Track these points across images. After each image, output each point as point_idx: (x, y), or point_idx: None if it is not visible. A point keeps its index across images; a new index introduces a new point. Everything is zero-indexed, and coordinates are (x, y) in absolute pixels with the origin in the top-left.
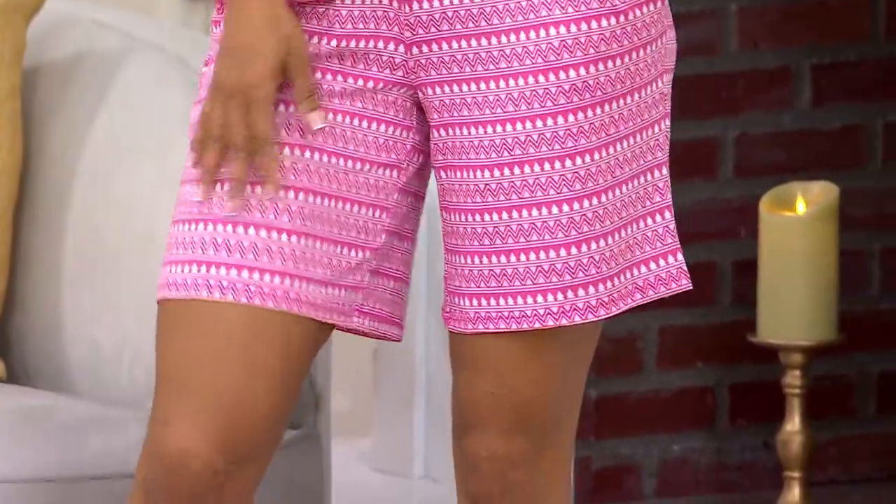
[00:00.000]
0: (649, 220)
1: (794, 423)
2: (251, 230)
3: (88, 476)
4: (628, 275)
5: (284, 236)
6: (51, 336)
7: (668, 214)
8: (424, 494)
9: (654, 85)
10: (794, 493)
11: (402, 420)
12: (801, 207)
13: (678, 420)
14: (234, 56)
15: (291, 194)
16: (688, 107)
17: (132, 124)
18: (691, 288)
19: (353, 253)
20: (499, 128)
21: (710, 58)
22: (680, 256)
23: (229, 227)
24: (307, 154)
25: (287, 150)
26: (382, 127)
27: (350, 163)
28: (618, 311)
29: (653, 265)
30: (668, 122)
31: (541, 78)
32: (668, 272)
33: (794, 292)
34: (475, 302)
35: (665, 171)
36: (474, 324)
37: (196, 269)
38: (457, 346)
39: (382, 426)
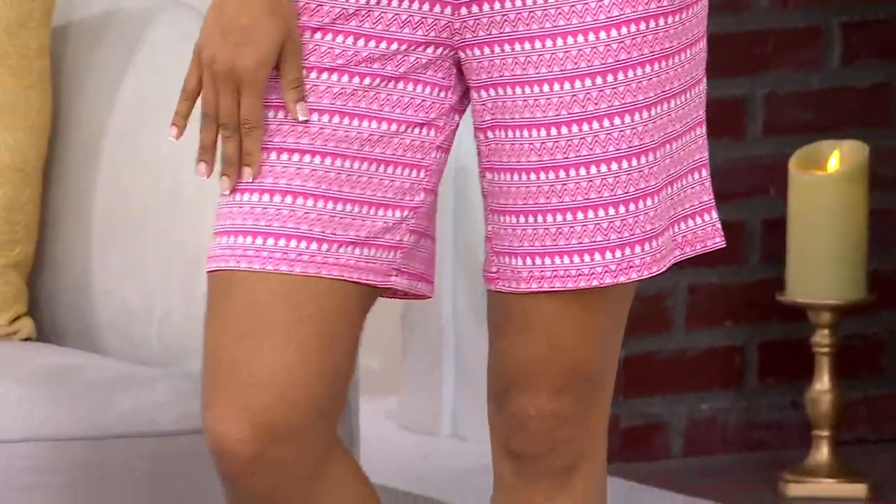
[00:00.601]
0: (690, 177)
1: (822, 382)
2: (277, 197)
3: (117, 434)
4: (671, 231)
5: (312, 201)
6: (80, 295)
7: (705, 172)
8: (452, 453)
9: (701, 42)
10: (823, 451)
11: (430, 379)
12: (830, 166)
13: (706, 379)
14: (229, 37)
15: (318, 159)
16: (717, 65)
17: (160, 84)
18: (724, 245)
19: (390, 213)
20: (556, 86)
21: (740, 16)
22: (714, 214)
23: (255, 196)
24: (335, 119)
25: (316, 116)
26: (420, 87)
27: (386, 125)
28: (665, 268)
29: (690, 222)
30: (705, 80)
31: (602, 34)
32: (704, 229)
33: (823, 251)
34: (529, 261)
35: (704, 128)
36: (528, 283)
37: (228, 239)
38: (504, 307)
39: (410, 385)
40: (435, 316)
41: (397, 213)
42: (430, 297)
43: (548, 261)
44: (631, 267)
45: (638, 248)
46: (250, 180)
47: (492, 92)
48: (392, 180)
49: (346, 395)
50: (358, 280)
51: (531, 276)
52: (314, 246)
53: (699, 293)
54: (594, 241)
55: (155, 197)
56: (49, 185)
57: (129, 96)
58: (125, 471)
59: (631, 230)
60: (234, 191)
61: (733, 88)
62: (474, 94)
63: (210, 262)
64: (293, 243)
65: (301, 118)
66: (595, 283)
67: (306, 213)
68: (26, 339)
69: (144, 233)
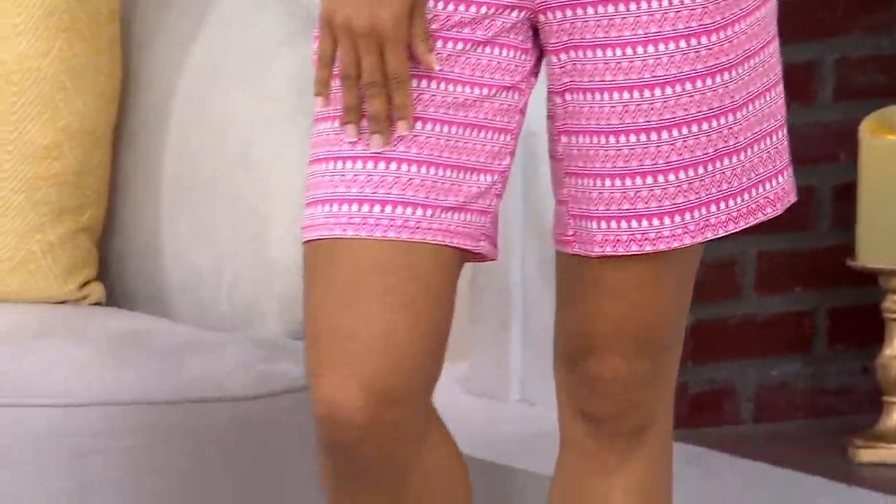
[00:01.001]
0: (774, 137)
1: (893, 348)
2: (381, 165)
3: (186, 399)
4: (755, 191)
5: (415, 167)
6: (149, 259)
7: (782, 132)
8: (521, 417)
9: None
10: (893, 417)
11: (499, 344)
12: None
13: (776, 345)
14: None
15: (419, 125)
16: (786, 30)
17: (229, 48)
18: (796, 199)
19: (482, 178)
20: (640, 49)
21: None
22: (790, 171)
23: (359, 164)
24: (433, 85)
25: (414, 82)
26: (505, 51)
27: (478, 90)
28: (745, 225)
29: (773, 182)
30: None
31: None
32: (783, 188)
33: (893, 216)
34: (605, 225)
35: (781, 87)
36: (602, 247)
37: (330, 207)
38: (578, 270)
39: (479, 350)
40: (503, 280)
41: (488, 178)
42: (495, 259)
43: (624, 224)
44: (707, 226)
45: (714, 207)
46: (407, 132)
47: (571, 54)
48: (484, 144)
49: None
50: (457, 245)
51: (606, 240)
52: (419, 212)
53: (769, 259)
54: (675, 203)
55: (224, 160)
56: (119, 150)
57: (198, 60)
58: (194, 435)
59: (708, 190)
60: (333, 160)
61: (803, 53)
62: (552, 58)
63: (309, 231)
64: (399, 210)
65: (436, 68)
66: (675, 244)
67: (410, 178)
68: (96, 304)
69: (214, 196)
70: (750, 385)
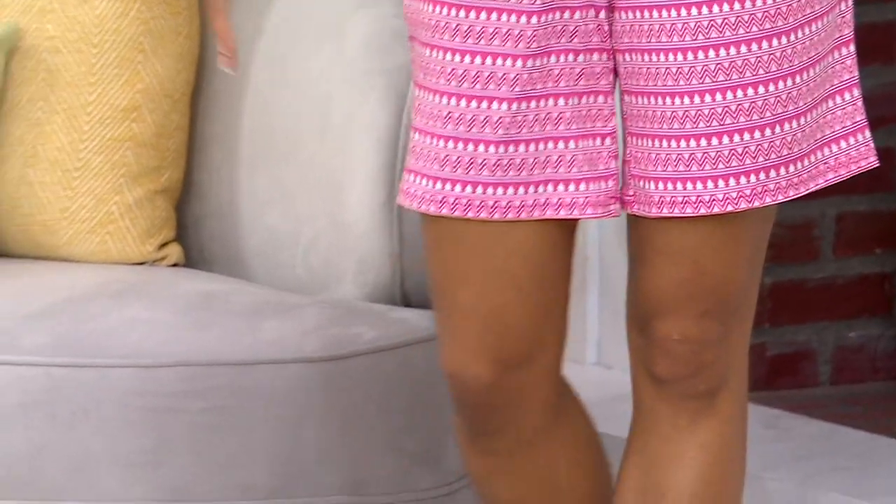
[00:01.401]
0: (838, 99)
1: None
2: (481, 147)
3: (262, 360)
4: (819, 154)
5: (522, 147)
6: (227, 221)
7: (856, 92)
8: (598, 380)
9: None
10: None
11: (575, 307)
12: None
13: (855, 306)
14: None
15: (527, 104)
16: None
17: (308, 9)
18: (878, 164)
19: (599, 142)
20: (694, 10)
21: None
22: (867, 134)
23: (460, 145)
24: (538, 62)
25: (520, 63)
26: (592, 13)
27: (582, 56)
28: (806, 191)
29: (843, 143)
30: None
31: None
32: (858, 150)
33: None
34: (661, 186)
35: (852, 47)
36: (659, 208)
37: (435, 185)
38: (641, 231)
39: None
40: (580, 244)
41: (605, 142)
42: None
43: (680, 186)
44: (766, 192)
45: (773, 173)
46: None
47: (629, 15)
48: (599, 109)
49: (566, 325)
50: (577, 216)
51: (662, 201)
52: (521, 191)
53: (848, 221)
54: (730, 167)
55: (302, 123)
56: (197, 112)
57: (277, 22)
58: (269, 396)
59: (766, 155)
60: (434, 135)
61: (883, 13)
62: (617, 15)
63: (411, 199)
64: (500, 191)
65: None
66: (730, 208)
67: (510, 159)
68: (174, 265)
69: (291, 159)
70: (828, 347)
